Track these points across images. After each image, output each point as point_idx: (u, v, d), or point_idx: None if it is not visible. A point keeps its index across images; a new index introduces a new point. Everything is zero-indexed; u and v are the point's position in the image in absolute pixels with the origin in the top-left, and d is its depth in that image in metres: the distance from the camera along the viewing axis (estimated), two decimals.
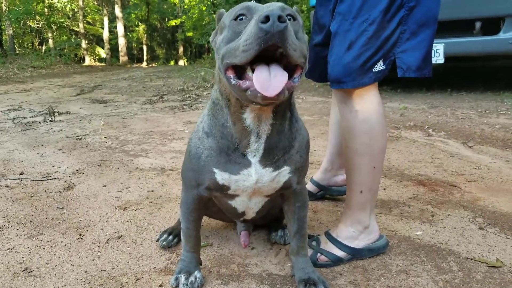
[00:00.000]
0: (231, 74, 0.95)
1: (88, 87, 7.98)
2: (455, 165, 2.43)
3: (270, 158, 1.10)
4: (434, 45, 4.28)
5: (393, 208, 1.84)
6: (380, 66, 1.29)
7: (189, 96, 5.99)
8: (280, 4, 0.99)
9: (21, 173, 2.47)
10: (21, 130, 3.84)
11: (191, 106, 5.11)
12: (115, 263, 1.43)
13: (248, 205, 1.26)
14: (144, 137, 3.42)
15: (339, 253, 1.39)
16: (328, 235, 1.46)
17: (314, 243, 1.46)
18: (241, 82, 0.93)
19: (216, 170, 1.12)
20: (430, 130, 3.27)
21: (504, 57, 6.31)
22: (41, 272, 1.37)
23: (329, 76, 1.35)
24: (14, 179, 2.36)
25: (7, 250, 1.53)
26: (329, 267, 1.38)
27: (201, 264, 1.34)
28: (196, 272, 1.27)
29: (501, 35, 4.17)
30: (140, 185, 2.23)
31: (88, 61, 20.85)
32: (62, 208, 1.92)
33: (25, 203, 2.00)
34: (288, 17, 0.96)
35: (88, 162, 2.69)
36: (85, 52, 21.15)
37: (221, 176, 1.12)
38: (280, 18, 0.83)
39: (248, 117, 1.05)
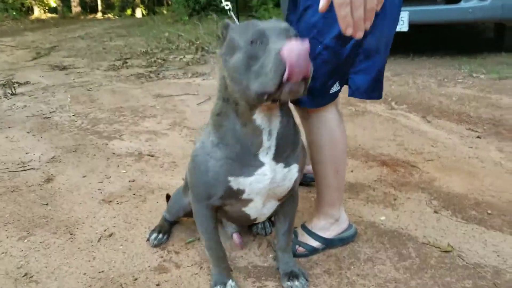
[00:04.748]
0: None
1: (44, 49, 7.56)
2: (415, 142, 2.63)
3: (281, 153, 1.17)
4: None
5: (360, 192, 2.03)
6: (336, 87, 1.37)
7: (155, 61, 5.85)
8: (284, 25, 1.03)
9: None
10: None
11: (158, 74, 5.02)
12: (111, 263, 1.53)
13: (261, 212, 1.31)
14: (115, 115, 3.41)
15: (315, 243, 1.57)
16: (304, 228, 1.62)
17: (292, 236, 1.62)
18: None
19: (230, 179, 1.16)
20: (393, 103, 3.46)
21: (466, 25, 6.56)
22: (41, 276, 1.46)
23: None
24: None
25: (2, 254, 1.60)
26: (306, 257, 1.56)
27: (231, 271, 1.43)
28: (230, 281, 1.35)
29: (462, 4, 4.37)
30: (120, 174, 2.29)
31: (37, 12, 19.39)
32: (47, 204, 1.97)
33: (7, 199, 2.03)
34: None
35: (62, 147, 2.69)
36: (33, 2, 19.58)
37: (236, 181, 1.16)
38: None
39: (258, 116, 1.10)
